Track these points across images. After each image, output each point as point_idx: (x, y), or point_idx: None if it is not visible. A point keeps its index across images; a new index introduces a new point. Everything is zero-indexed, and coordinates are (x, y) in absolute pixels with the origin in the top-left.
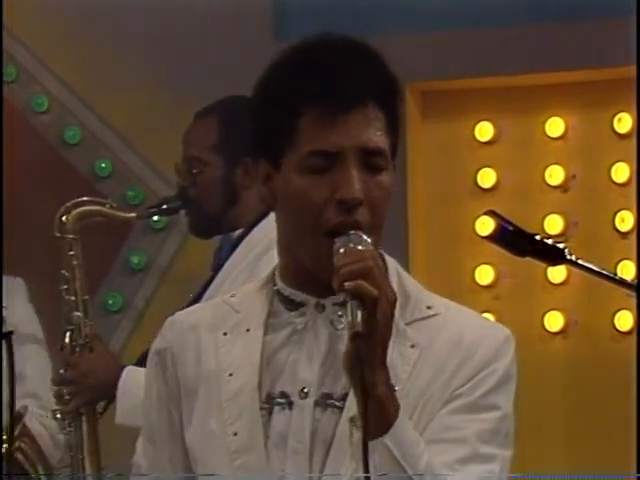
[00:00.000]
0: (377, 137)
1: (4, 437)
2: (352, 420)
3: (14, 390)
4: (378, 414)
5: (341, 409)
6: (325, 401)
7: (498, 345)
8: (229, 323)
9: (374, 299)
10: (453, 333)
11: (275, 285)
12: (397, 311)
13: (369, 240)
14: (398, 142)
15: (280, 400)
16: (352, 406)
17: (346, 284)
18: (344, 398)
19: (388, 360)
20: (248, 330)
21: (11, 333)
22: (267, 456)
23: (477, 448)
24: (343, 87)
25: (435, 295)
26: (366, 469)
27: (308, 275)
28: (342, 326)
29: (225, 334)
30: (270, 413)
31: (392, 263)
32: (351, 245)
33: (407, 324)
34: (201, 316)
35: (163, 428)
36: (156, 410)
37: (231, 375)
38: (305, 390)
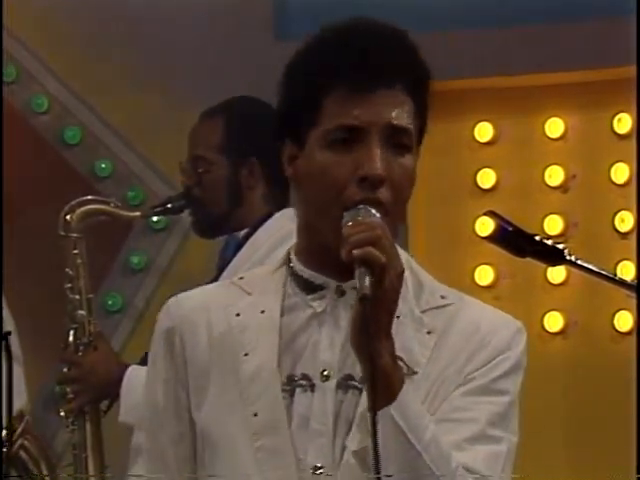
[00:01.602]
0: (402, 117)
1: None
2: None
3: (12, 390)
4: (383, 384)
5: (361, 390)
6: (346, 382)
7: (511, 336)
8: (240, 304)
9: (382, 266)
10: (469, 322)
11: (291, 267)
12: (412, 299)
13: (377, 215)
14: (424, 133)
15: (302, 382)
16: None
17: (354, 251)
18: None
19: (407, 345)
20: (263, 312)
21: (9, 334)
22: (291, 438)
23: (485, 429)
24: (372, 67)
25: (446, 286)
26: (374, 435)
27: (330, 257)
28: None
29: (238, 315)
30: (292, 395)
31: (404, 255)
32: (359, 218)
33: (422, 312)
34: (210, 296)
35: (169, 408)
36: (162, 390)
37: (246, 355)
38: (326, 372)
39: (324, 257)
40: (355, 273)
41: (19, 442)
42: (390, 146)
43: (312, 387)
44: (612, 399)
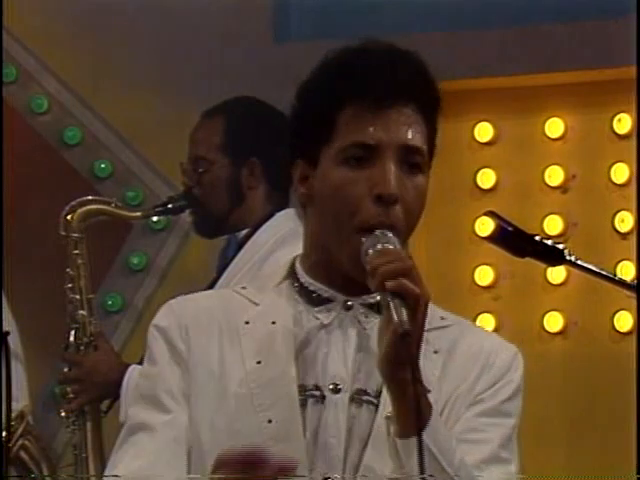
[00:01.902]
0: (417, 137)
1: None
2: (388, 418)
3: (10, 390)
4: (414, 412)
5: (377, 405)
6: (360, 397)
7: (511, 358)
8: (250, 313)
9: (417, 297)
10: (472, 343)
11: (298, 280)
12: None
13: (396, 239)
14: (433, 157)
15: (315, 393)
16: (388, 402)
17: (387, 283)
18: (379, 395)
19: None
20: (274, 322)
21: (7, 334)
22: (306, 447)
23: (498, 451)
24: (385, 85)
25: (442, 309)
26: (421, 467)
27: (340, 273)
28: (370, 326)
29: (247, 323)
30: (303, 405)
31: None
32: (379, 246)
33: (426, 331)
34: (214, 301)
35: (180, 392)
36: (170, 375)
37: (259, 363)
38: (332, 385)
39: (332, 272)
40: (389, 305)
41: (20, 442)
42: (404, 165)
43: (323, 399)
44: (612, 399)
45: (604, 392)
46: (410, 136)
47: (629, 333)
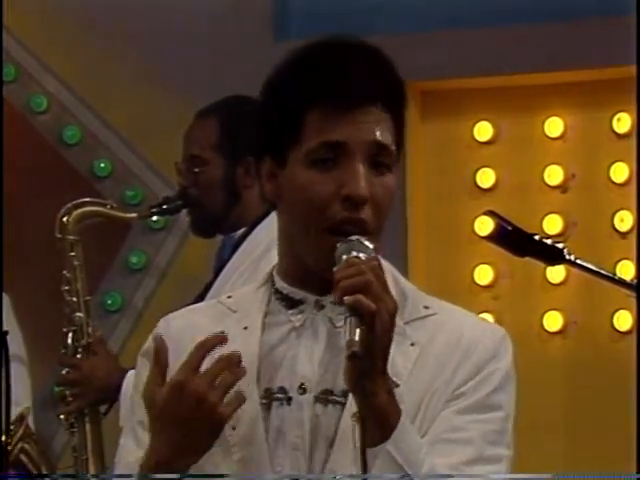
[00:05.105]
0: (385, 135)
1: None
2: (355, 415)
3: (10, 391)
4: (379, 421)
5: (343, 405)
6: (326, 397)
7: (496, 344)
8: (226, 322)
9: (372, 313)
10: (452, 332)
11: (274, 285)
12: None
13: (371, 247)
14: (402, 147)
15: (279, 395)
16: (354, 401)
17: (345, 299)
18: (346, 394)
19: (389, 358)
20: (245, 328)
21: (6, 333)
22: (268, 450)
23: (483, 450)
24: (353, 85)
25: (429, 296)
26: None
27: (309, 273)
28: (341, 324)
29: (222, 333)
30: (269, 408)
31: (387, 266)
32: (353, 253)
33: (406, 323)
34: (197, 316)
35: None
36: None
37: None
38: (303, 386)
39: (303, 273)
40: (345, 321)
41: (19, 446)
42: (372, 165)
43: (289, 400)
44: (612, 398)
45: (604, 391)
46: (379, 134)
47: (629, 332)
